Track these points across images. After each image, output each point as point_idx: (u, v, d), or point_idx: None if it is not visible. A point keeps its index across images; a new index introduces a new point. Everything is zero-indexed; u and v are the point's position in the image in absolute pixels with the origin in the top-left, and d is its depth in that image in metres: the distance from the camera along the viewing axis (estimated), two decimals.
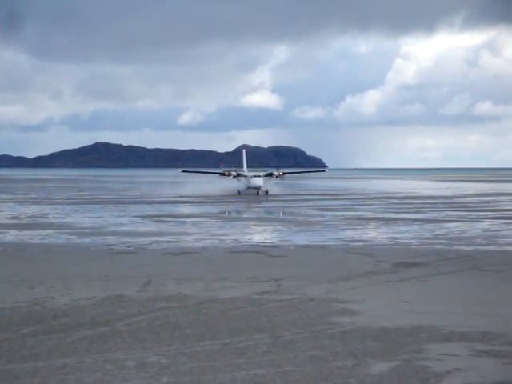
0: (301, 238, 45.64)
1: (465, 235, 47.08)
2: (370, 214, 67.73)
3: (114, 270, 30.88)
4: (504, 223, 56.48)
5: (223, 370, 15.45)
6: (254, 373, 15.25)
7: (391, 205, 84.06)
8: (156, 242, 43.40)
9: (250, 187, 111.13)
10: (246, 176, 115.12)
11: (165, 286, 26.38)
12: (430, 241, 43.39)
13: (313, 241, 44.06)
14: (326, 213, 70.44)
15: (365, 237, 46.34)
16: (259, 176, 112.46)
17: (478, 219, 61.03)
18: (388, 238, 45.74)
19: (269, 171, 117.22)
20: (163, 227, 54.16)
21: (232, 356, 16.55)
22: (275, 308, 22.19)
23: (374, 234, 48.93)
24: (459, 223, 56.78)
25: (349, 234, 48.51)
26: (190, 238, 45.61)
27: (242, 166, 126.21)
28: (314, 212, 72.22)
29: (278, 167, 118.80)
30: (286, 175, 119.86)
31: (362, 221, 59.82)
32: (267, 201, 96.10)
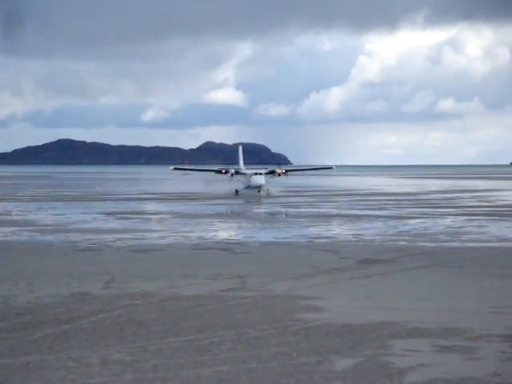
0: (265, 235, 45.67)
1: (428, 232, 47.39)
2: (334, 211, 67.95)
3: (78, 268, 30.67)
4: (466, 220, 56.95)
5: (187, 367, 15.40)
6: (218, 370, 15.22)
7: (355, 202, 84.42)
8: (120, 239, 43.18)
9: (249, 186, 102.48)
10: (245, 174, 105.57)
11: (129, 284, 26.25)
12: (393, 237, 43.63)
13: (277, 238, 44.10)
14: (290, 209, 70.54)
15: (329, 233, 46.48)
16: (260, 174, 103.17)
17: (441, 216, 61.47)
18: (352, 234, 45.91)
19: (270, 168, 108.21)
20: (128, 224, 53.91)
21: (196, 353, 16.51)
22: (240, 305, 22.17)
23: (339, 230, 49.10)
24: (422, 220, 57.16)
25: (313, 230, 48.62)
26: (154, 235, 45.44)
27: (237, 163, 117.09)
28: (278, 209, 72.31)
29: (279, 164, 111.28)
30: (289, 173, 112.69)
31: (327, 218, 59.99)
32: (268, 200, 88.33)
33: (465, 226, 51.50)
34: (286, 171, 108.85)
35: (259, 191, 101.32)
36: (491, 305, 21.74)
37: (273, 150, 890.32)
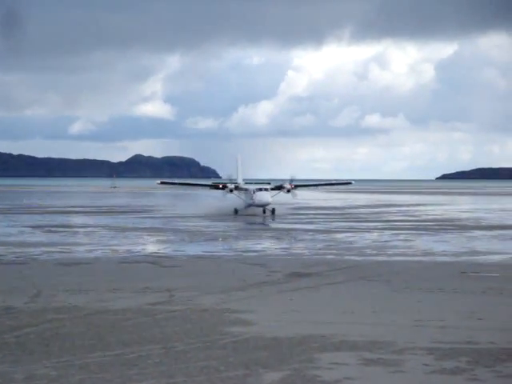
0: (194, 249, 45.60)
1: (355, 245, 47.89)
2: (262, 226, 68.18)
3: (2, 281, 30.17)
4: (392, 234, 57.72)
5: (114, 382, 15.28)
6: None
7: (283, 216, 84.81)
8: (47, 252, 42.63)
9: (252, 204, 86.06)
10: (246, 190, 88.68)
11: (55, 297, 25.92)
12: (321, 251, 43.98)
13: (206, 251, 44.07)
14: (219, 223, 70.57)
15: (258, 247, 46.64)
16: (266, 190, 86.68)
17: (368, 230, 62.20)
18: (281, 248, 46.15)
19: (276, 184, 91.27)
20: (55, 237, 53.24)
21: (123, 367, 16.38)
22: (167, 318, 22.09)
23: (267, 244, 49.29)
24: (350, 234, 57.75)
25: (242, 244, 48.72)
26: (82, 249, 44.98)
27: (235, 177, 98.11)
28: (207, 223, 72.26)
29: (291, 181, 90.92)
30: (298, 188, 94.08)
31: (256, 231, 60.15)
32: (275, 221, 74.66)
33: (391, 240, 52.18)
34: (295, 186, 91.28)
35: (264, 211, 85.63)
36: (416, 318, 22.07)
37: (202, 164, 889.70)
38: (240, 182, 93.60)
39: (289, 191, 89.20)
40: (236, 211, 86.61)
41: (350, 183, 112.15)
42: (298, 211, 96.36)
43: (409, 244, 49.43)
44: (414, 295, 26.81)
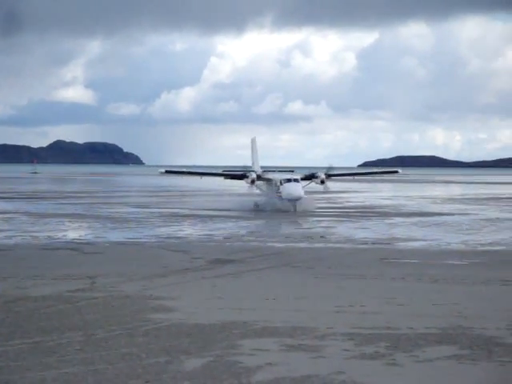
0: (116, 235, 45.24)
1: (278, 232, 48.14)
2: (186, 211, 68.01)
3: None
4: (315, 221, 58.18)
5: (33, 370, 15.06)
6: (65, 371, 14.96)
7: (208, 202, 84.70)
8: None
9: (280, 198, 68.66)
10: (270, 180, 71.67)
11: None
12: (245, 238, 44.10)
13: (128, 238, 43.77)
14: (142, 209, 70.15)
15: (181, 234, 46.51)
16: (296, 180, 69.41)
17: (286, 217, 62.49)
18: (204, 234, 46.10)
19: (307, 173, 75.23)
20: None
21: (42, 355, 16.17)
22: (89, 305, 21.88)
23: (190, 230, 49.20)
24: (271, 220, 57.99)
25: (165, 230, 48.53)
26: (1, 235, 44.22)
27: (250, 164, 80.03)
28: (131, 209, 71.76)
29: (329, 168, 75.21)
30: (334, 178, 78.72)
31: (179, 218, 59.99)
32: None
33: (314, 227, 52.57)
34: (329, 176, 74.81)
35: (295, 207, 67.94)
36: (337, 304, 22.30)
37: (125, 150, 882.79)
38: (257, 170, 76.13)
39: (323, 182, 73.47)
40: (257, 206, 70.95)
41: (396, 172, 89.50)
42: (221, 198, 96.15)
43: (331, 231, 49.88)
44: (336, 281, 27.09)
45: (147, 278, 27.47)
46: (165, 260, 33.13)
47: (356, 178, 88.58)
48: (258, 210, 69.00)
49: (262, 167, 79.91)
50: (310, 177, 73.56)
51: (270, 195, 70.65)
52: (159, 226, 51.83)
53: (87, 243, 40.36)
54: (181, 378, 14.61)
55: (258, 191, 74.42)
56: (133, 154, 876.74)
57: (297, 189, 67.63)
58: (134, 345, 17.12)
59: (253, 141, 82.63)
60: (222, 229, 50.22)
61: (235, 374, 14.91)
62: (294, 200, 67.44)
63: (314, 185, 74.30)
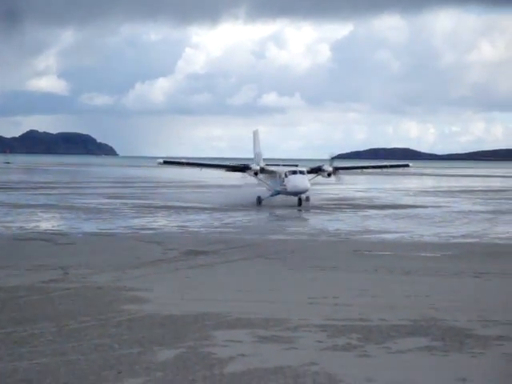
0: (90, 226, 45.07)
1: (252, 224, 48.19)
2: (160, 203, 67.87)
3: None
4: (289, 212, 58.28)
5: (4, 360, 14.99)
6: (37, 362, 14.91)
7: (182, 194, 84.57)
8: None
9: (283, 192, 66.86)
10: (274, 172, 68.79)
11: None
12: (218, 229, 44.09)
13: (102, 228, 43.62)
14: (116, 201, 69.91)
15: (155, 225, 46.42)
16: (302, 173, 66.78)
17: (259, 209, 62.56)
18: (177, 226, 46.05)
19: (313, 166, 71.83)
20: None
21: (14, 345, 16.10)
22: (61, 296, 21.80)
23: (164, 222, 49.11)
24: (247, 212, 58.03)
25: (138, 222, 48.41)
26: None
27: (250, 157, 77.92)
28: (105, 200, 71.50)
29: (332, 158, 72.02)
30: (342, 171, 73.33)
31: (152, 209, 59.86)
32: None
33: (288, 219, 52.65)
34: (336, 169, 71.21)
35: (300, 201, 65.73)
36: (310, 295, 22.36)
37: (98, 140, 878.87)
38: (259, 162, 72.15)
39: (330, 175, 70.17)
40: (260, 200, 67.42)
41: (407, 166, 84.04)
42: (196, 189, 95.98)
43: (305, 223, 49.96)
44: (309, 273, 27.16)
45: (120, 269, 27.41)
46: (138, 251, 33.07)
47: (364, 171, 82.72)
48: (260, 205, 66.21)
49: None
50: (316, 170, 70.34)
51: (275, 188, 67.93)
52: (133, 217, 51.69)
53: (60, 234, 40.18)
54: (153, 369, 14.61)
55: (263, 184, 70.86)
56: (106, 145, 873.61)
57: (303, 181, 65.20)
58: (106, 336, 17.09)
59: (255, 133, 78.60)
60: (195, 220, 50.18)
61: (208, 365, 14.93)
62: (300, 193, 65.35)
63: (320, 178, 71.60)
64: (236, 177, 74.19)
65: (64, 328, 17.80)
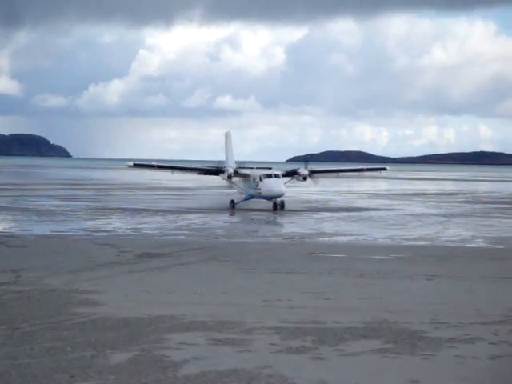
0: (42, 228, 44.65)
1: (206, 226, 48.12)
2: (114, 205, 67.47)
3: None
4: (245, 216, 58.29)
5: None
6: None
7: (136, 196, 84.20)
8: None
9: (257, 196, 65.31)
10: (248, 176, 66.88)
11: None
12: (172, 232, 43.96)
13: (55, 231, 43.23)
14: (69, 203, 69.34)
15: (109, 227, 46.14)
16: (277, 176, 65.42)
17: (220, 211, 62.50)
18: (132, 228, 45.82)
19: (288, 169, 71.50)
20: None
21: None
22: (13, 299, 21.56)
23: (118, 224, 48.83)
24: (201, 215, 57.94)
25: (92, 224, 48.08)
26: None
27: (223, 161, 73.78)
28: (57, 202, 70.88)
29: (306, 161, 70.85)
30: (318, 175, 71.70)
31: (106, 211, 59.49)
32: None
33: (241, 222, 52.67)
34: (312, 172, 69.66)
35: (275, 205, 63.87)
36: (264, 298, 22.38)
37: (52, 142, 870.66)
38: (231, 165, 69.76)
39: (305, 178, 68.29)
40: (233, 204, 65.95)
41: (384, 169, 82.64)
42: (149, 191, 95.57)
43: (260, 226, 50.01)
44: (264, 275, 27.19)
45: (73, 271, 27.19)
46: (92, 254, 32.83)
47: (340, 174, 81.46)
48: (234, 209, 64.68)
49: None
50: (291, 173, 68.53)
51: (249, 192, 66.23)
52: (86, 220, 51.32)
53: (12, 236, 39.75)
54: (106, 373, 14.50)
55: (237, 188, 69.07)
56: (60, 147, 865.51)
57: (278, 185, 63.64)
58: (59, 339, 16.93)
59: (226, 135, 76.69)
60: (150, 222, 49.98)
61: (161, 368, 14.86)
62: (275, 197, 63.72)
63: (295, 182, 69.69)
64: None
65: (16, 331, 17.60)
